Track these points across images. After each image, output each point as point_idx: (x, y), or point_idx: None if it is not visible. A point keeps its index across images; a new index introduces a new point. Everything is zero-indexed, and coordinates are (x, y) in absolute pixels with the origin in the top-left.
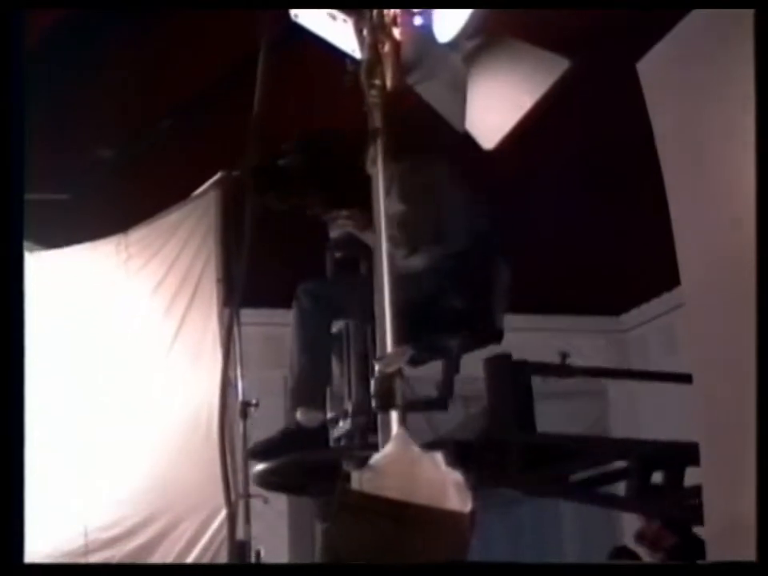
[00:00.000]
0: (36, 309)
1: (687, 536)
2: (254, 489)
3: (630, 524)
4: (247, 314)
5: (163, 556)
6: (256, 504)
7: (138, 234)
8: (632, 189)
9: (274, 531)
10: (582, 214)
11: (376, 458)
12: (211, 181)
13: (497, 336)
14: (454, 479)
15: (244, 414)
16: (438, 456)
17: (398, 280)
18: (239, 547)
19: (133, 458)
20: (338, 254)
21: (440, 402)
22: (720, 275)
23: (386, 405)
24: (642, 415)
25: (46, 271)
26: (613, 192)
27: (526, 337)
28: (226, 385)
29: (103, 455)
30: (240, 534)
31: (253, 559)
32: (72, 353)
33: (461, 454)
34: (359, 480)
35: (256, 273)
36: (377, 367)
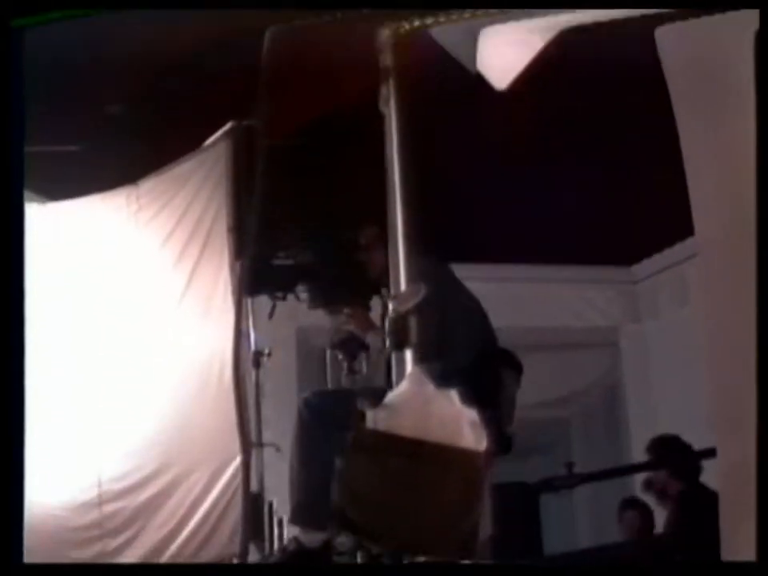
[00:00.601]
0: (47, 259)
1: (694, 484)
2: (267, 437)
3: (640, 473)
4: None
5: (176, 506)
6: (268, 456)
7: (148, 185)
8: (645, 137)
9: (286, 481)
10: (594, 164)
11: (391, 396)
12: (221, 131)
13: (504, 447)
14: (469, 417)
15: (257, 364)
16: (453, 394)
17: None
18: (252, 499)
19: (144, 410)
20: (340, 356)
21: None
22: (734, 226)
23: (400, 344)
24: (654, 366)
25: (57, 222)
26: (625, 141)
27: (538, 288)
28: (240, 334)
29: (115, 407)
30: (253, 486)
31: (266, 511)
32: (83, 304)
33: None
34: (374, 419)
35: (268, 223)
36: (390, 306)
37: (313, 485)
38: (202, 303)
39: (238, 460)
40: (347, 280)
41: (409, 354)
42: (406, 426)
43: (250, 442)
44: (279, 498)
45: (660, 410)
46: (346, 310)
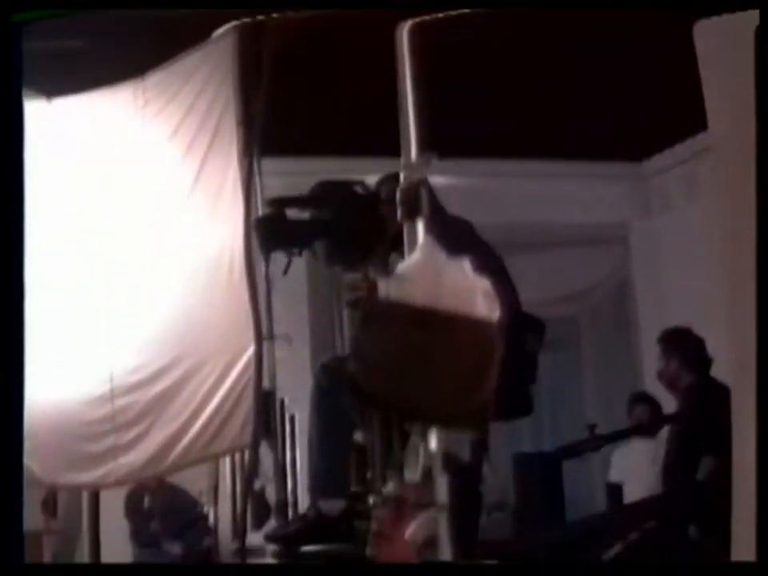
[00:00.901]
0: (54, 156)
1: (705, 376)
2: (278, 329)
3: (650, 368)
4: (268, 164)
5: (188, 399)
6: (280, 353)
7: (155, 78)
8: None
9: (297, 378)
10: (605, 57)
11: (402, 266)
12: (229, 25)
13: (526, 410)
14: (482, 287)
15: (266, 259)
16: (466, 263)
17: None
18: (264, 396)
19: (155, 303)
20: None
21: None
22: (747, 121)
23: (412, 213)
24: (664, 262)
25: (63, 118)
26: (637, 34)
27: (548, 184)
28: (249, 227)
29: (126, 302)
30: (265, 384)
31: (277, 409)
32: (90, 200)
33: None
34: (386, 289)
35: (278, 118)
36: (402, 175)
37: (331, 453)
38: (211, 197)
39: (249, 351)
40: (365, 237)
41: (420, 225)
42: (418, 295)
43: (261, 333)
44: (290, 396)
45: (669, 306)
46: (363, 269)
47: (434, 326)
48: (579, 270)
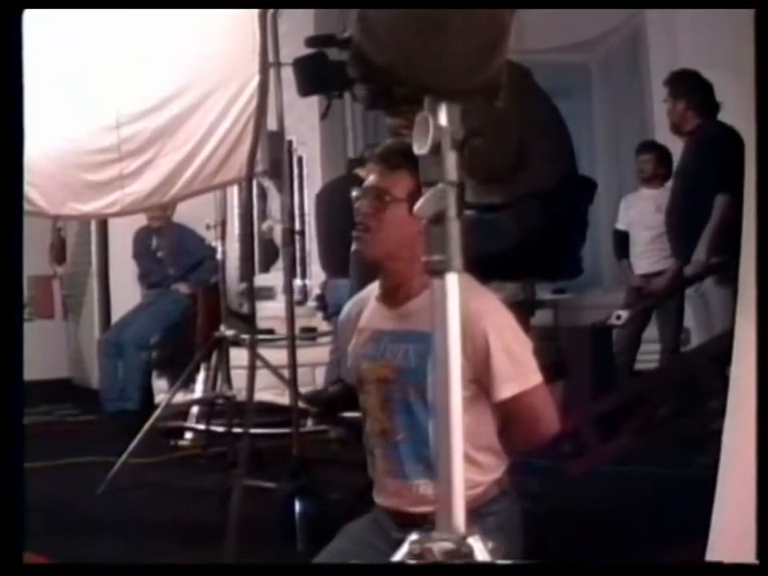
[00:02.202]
0: None
1: (712, 119)
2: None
3: (661, 118)
4: None
5: (194, 128)
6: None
7: None
8: None
9: (305, 122)
10: None
11: None
12: None
13: (576, 272)
14: None
15: None
16: None
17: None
18: (271, 136)
19: (162, 32)
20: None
21: None
22: None
23: None
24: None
25: None
26: None
27: None
28: None
29: (132, 30)
30: (271, 125)
31: (285, 149)
32: None
33: None
34: None
35: None
36: None
37: None
38: None
39: (255, 80)
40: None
41: None
42: None
43: (268, 62)
44: (298, 138)
45: (682, 54)
46: (407, 114)
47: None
48: (593, 16)
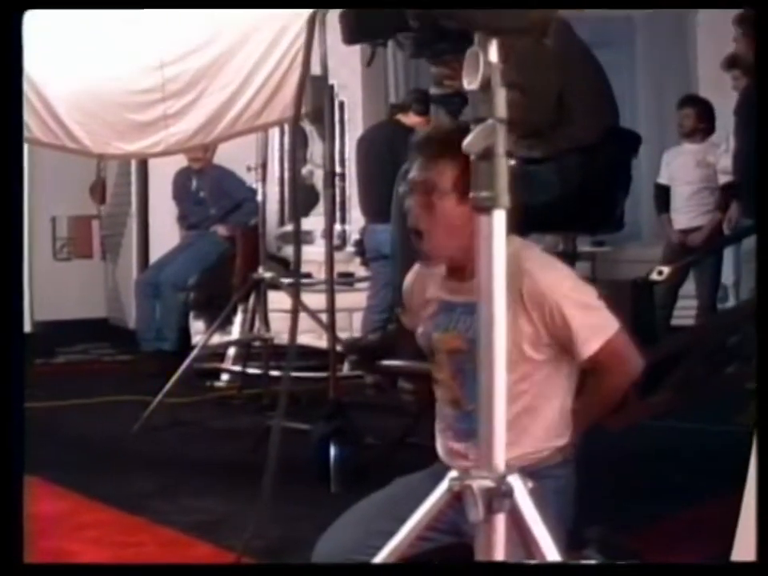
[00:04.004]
0: None
1: None
2: None
3: (705, 72)
4: None
5: (238, 67)
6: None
7: None
8: None
9: (347, 66)
10: None
11: None
12: None
13: (617, 226)
14: None
15: None
16: None
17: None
18: (314, 80)
19: None
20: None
21: None
22: None
23: None
24: None
25: None
26: None
27: None
28: None
29: None
30: (315, 68)
31: (326, 93)
32: None
33: None
34: None
35: None
36: None
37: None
38: None
39: (297, 23)
40: (456, 32)
41: None
42: None
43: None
44: (340, 82)
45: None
46: (452, 63)
47: None
48: None
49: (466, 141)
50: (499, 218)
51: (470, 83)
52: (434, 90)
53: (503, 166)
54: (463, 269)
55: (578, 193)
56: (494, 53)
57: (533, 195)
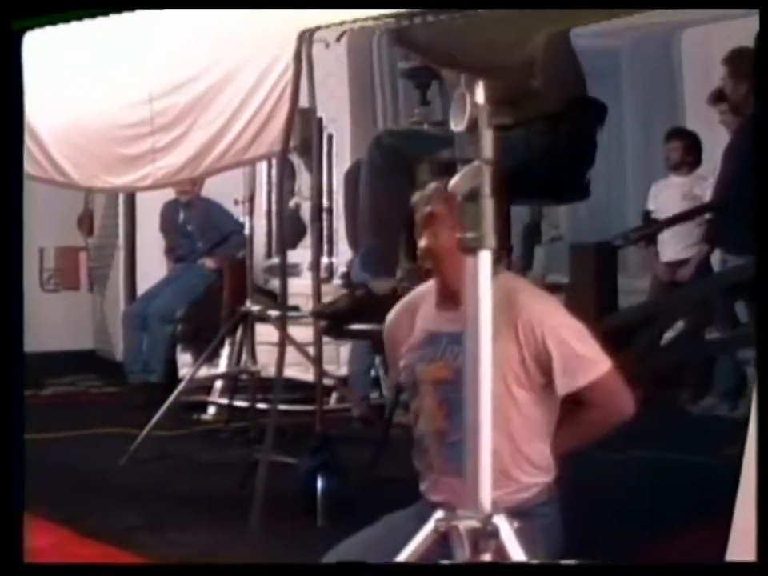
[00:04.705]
0: None
1: None
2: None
3: (693, 105)
4: None
5: (226, 102)
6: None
7: None
8: None
9: (335, 99)
10: None
11: None
12: None
13: (583, 194)
14: None
15: None
16: None
17: None
18: (302, 113)
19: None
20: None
21: None
22: None
23: None
24: None
25: None
26: None
27: None
28: None
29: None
30: (303, 101)
31: (314, 126)
32: None
33: None
34: None
35: None
36: None
37: (383, 229)
38: None
39: (285, 56)
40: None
41: None
42: None
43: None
44: (328, 116)
45: (713, 45)
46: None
47: None
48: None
49: (452, 182)
50: (485, 259)
51: (456, 125)
52: (402, 65)
53: (489, 206)
54: (456, 292)
55: (544, 159)
56: (480, 94)
57: (500, 160)
